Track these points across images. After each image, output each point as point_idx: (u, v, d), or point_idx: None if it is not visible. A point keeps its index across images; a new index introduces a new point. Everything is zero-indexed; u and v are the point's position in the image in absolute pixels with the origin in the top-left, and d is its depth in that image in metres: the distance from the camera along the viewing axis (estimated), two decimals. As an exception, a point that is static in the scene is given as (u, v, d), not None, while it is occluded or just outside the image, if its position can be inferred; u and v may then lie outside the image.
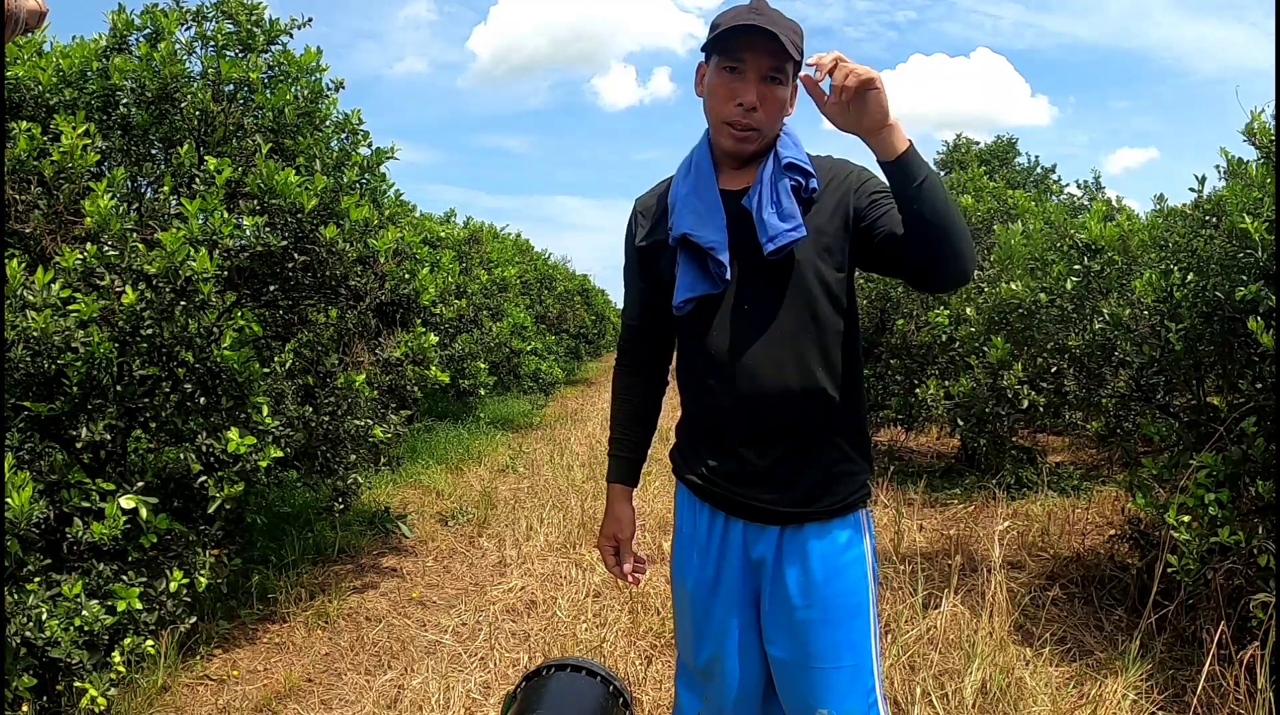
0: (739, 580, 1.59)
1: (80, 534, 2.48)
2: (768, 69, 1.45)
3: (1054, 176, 13.68)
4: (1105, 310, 3.50)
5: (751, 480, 1.53)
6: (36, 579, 2.40)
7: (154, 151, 3.29)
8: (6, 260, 2.42)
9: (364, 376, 3.51)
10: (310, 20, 3.55)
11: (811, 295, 1.47)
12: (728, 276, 1.48)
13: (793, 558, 1.53)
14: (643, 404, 1.73)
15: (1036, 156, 13.96)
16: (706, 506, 1.61)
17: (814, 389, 1.48)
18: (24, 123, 2.81)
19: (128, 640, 2.57)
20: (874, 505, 1.65)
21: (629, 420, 1.73)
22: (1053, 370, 4.20)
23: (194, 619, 2.94)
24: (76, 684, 2.43)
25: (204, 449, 2.82)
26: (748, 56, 1.44)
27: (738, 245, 1.48)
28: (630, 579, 1.70)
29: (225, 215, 2.75)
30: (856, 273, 1.61)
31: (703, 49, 1.53)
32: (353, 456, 3.70)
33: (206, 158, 2.96)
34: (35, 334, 2.41)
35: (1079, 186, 12.85)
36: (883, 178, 1.42)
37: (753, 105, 1.45)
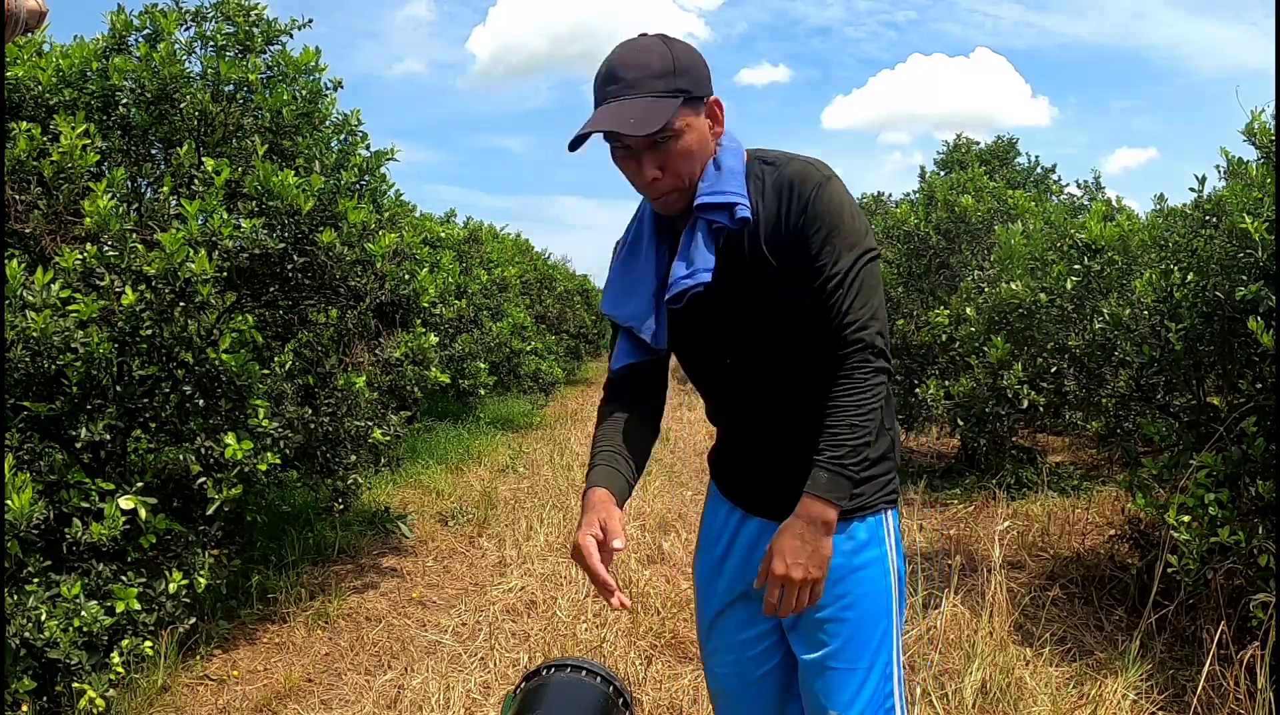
0: (746, 575, 1.56)
1: (79, 534, 2.48)
2: (650, 138, 1.33)
3: (1054, 176, 13.65)
4: (1105, 310, 3.50)
5: (769, 486, 1.51)
6: (36, 580, 2.40)
7: (154, 152, 3.29)
8: (6, 260, 2.42)
9: (364, 377, 3.51)
10: (310, 21, 3.55)
11: (786, 324, 1.40)
12: (661, 345, 1.44)
13: None
14: (627, 433, 1.49)
15: (1036, 156, 13.92)
16: (727, 502, 1.61)
17: (813, 407, 1.40)
18: (24, 123, 2.81)
19: (126, 641, 2.57)
20: (899, 506, 1.56)
21: (611, 436, 1.49)
22: (1053, 370, 4.20)
23: (193, 619, 2.94)
24: (75, 685, 2.44)
25: (203, 451, 2.82)
26: (622, 135, 1.34)
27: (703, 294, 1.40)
28: (616, 601, 1.36)
29: (225, 216, 2.75)
30: None
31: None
32: (352, 457, 3.70)
33: (205, 158, 2.96)
34: (35, 334, 2.41)
35: (1079, 186, 12.82)
36: (826, 210, 1.33)
37: (653, 177, 1.36)
